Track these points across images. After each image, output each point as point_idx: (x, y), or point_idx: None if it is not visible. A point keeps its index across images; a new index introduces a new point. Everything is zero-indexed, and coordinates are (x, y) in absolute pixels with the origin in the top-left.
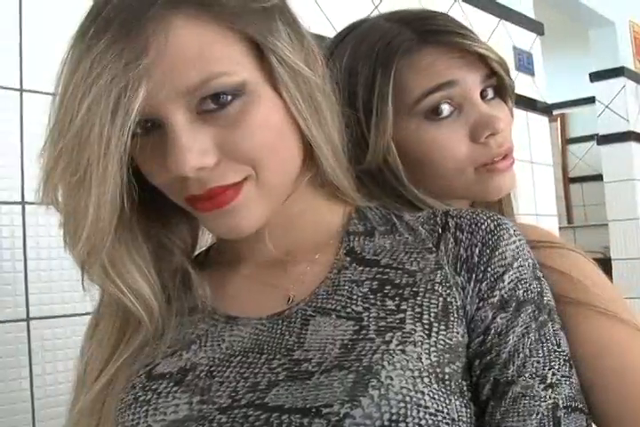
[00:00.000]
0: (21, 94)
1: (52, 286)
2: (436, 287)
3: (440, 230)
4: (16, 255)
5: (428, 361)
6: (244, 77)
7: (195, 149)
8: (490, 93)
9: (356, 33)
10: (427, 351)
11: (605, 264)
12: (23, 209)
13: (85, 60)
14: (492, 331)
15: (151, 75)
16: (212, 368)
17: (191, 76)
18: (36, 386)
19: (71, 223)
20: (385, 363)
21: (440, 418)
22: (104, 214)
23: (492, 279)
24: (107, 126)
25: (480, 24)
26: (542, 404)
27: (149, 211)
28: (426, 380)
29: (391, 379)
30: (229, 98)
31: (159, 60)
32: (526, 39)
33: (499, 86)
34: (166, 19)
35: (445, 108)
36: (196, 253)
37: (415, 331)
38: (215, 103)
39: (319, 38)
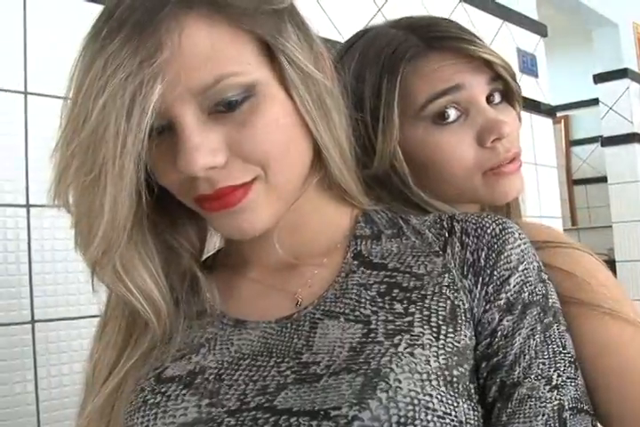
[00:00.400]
0: (26, 97)
1: (57, 289)
2: (444, 290)
3: (447, 234)
4: (21, 258)
5: (437, 364)
6: (255, 78)
7: (205, 149)
8: (497, 98)
9: (363, 40)
10: (435, 354)
11: (610, 266)
12: (28, 212)
13: (99, 59)
14: (499, 333)
15: (165, 73)
16: (221, 371)
17: (204, 76)
18: (41, 389)
19: (84, 223)
20: (393, 366)
21: (448, 421)
22: (121, 212)
23: (499, 282)
24: (123, 124)
25: (483, 26)
26: (548, 405)
27: (158, 214)
28: (434, 383)
29: (399, 382)
30: (240, 99)
31: (173, 59)
32: (530, 41)
33: (505, 91)
34: (179, 18)
35: (452, 113)
36: (205, 257)
37: (423, 334)
38: (226, 106)
39: (325, 42)
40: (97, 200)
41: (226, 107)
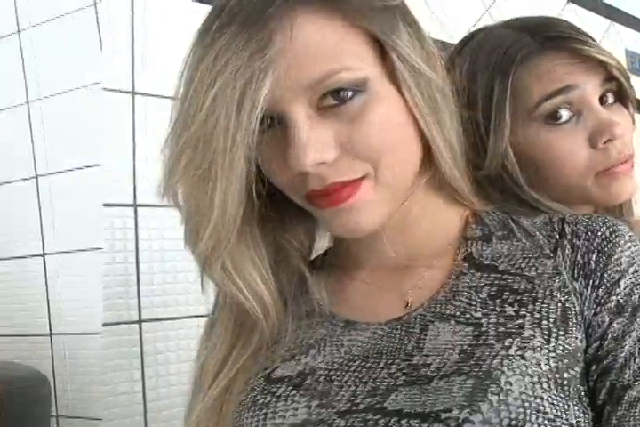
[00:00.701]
0: (133, 97)
1: (165, 289)
2: (555, 293)
3: (557, 236)
4: (128, 258)
5: (547, 367)
6: (366, 73)
7: (315, 144)
8: (610, 99)
9: (474, 41)
10: (546, 357)
11: None
12: (135, 212)
13: (210, 54)
14: (609, 336)
15: (275, 67)
16: (331, 372)
17: (314, 70)
18: (149, 388)
19: (194, 219)
20: (504, 368)
21: (559, 424)
22: (230, 207)
23: (609, 285)
24: (233, 117)
25: (591, 26)
26: None
27: (268, 212)
28: (545, 385)
29: (510, 384)
30: (350, 94)
31: (283, 54)
32: (638, 41)
33: (618, 92)
34: (290, 13)
35: (564, 114)
36: (313, 257)
37: (534, 336)
38: (336, 99)
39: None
40: (207, 195)
41: (336, 98)
